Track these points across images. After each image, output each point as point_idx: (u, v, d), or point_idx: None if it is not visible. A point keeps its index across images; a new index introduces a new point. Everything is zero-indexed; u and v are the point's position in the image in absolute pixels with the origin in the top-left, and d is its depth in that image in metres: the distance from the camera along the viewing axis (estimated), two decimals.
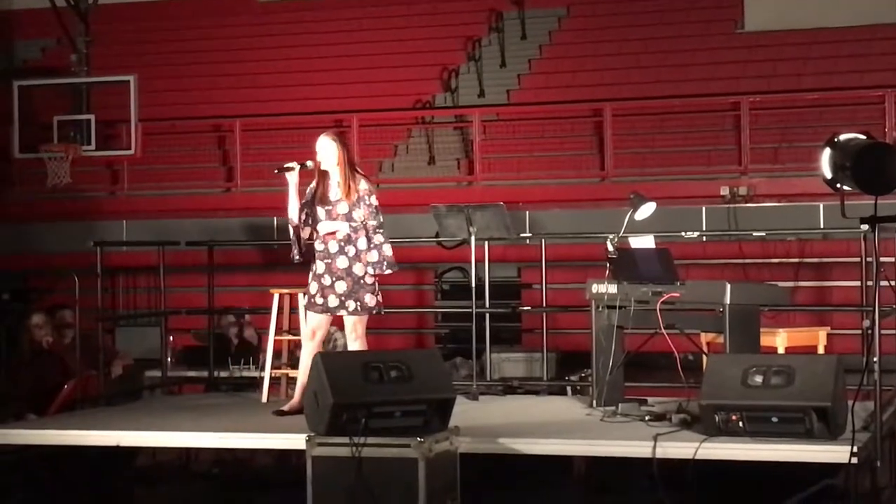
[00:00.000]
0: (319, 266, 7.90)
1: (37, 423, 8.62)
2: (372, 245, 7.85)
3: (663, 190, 13.27)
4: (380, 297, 7.96)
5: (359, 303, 7.87)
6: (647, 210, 8.54)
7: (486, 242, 9.87)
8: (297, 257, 7.98)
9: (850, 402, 6.60)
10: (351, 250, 7.84)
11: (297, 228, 7.94)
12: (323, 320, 7.98)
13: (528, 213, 14.22)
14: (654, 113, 15.52)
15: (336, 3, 19.18)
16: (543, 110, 16.06)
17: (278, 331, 9.20)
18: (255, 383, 9.81)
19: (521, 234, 11.09)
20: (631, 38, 17.26)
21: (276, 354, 9.27)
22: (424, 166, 16.09)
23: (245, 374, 10.81)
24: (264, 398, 8.98)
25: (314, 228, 7.93)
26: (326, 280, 7.87)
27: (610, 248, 8.04)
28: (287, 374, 9.24)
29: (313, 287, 7.93)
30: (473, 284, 9.45)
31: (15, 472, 7.97)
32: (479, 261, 9.62)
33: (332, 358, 7.02)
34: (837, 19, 16.43)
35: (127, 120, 15.63)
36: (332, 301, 7.87)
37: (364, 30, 18.36)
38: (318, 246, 7.92)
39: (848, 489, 6.53)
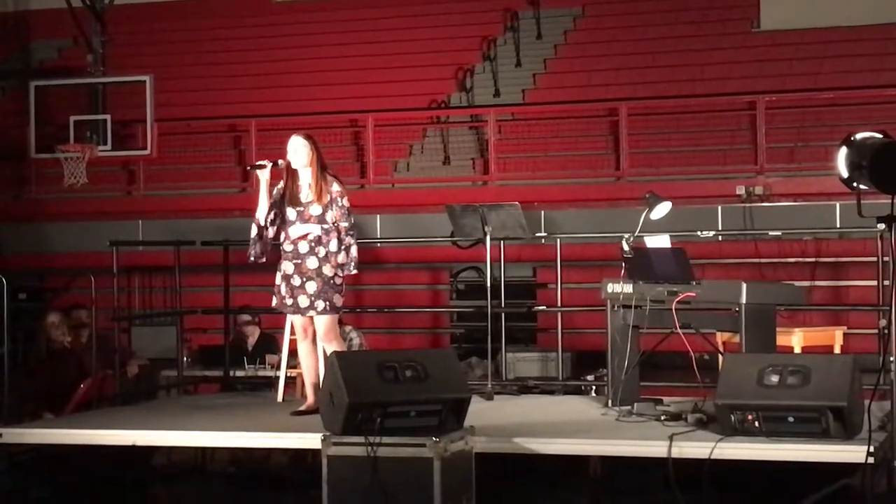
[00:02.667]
0: (287, 266, 7.91)
1: (53, 422, 8.65)
2: (342, 247, 7.86)
3: (679, 189, 13.25)
4: (343, 298, 7.99)
5: (328, 303, 7.88)
6: (662, 209, 8.52)
7: (502, 242, 9.86)
8: (253, 258, 7.97)
9: (866, 402, 6.58)
10: (321, 251, 7.86)
11: (261, 228, 7.94)
12: (307, 319, 7.98)
13: (543, 212, 14.22)
14: (670, 112, 15.50)
15: (351, 3, 19.19)
16: (559, 110, 16.05)
17: (293, 331, 9.20)
18: (271, 383, 9.83)
19: (537, 234, 11.07)
20: (646, 37, 17.23)
21: (292, 354, 9.27)
22: (439, 166, 16.09)
23: (261, 373, 10.83)
24: (280, 398, 9.00)
25: (283, 229, 7.92)
26: (296, 280, 7.88)
27: (625, 247, 8.03)
28: (302, 374, 9.24)
29: (283, 288, 7.94)
30: (488, 284, 9.45)
31: (31, 471, 8.00)
32: (495, 260, 9.61)
33: (347, 357, 7.02)
34: (853, 18, 16.38)
35: (143, 120, 15.66)
36: (303, 301, 7.88)
37: (379, 30, 18.36)
38: (287, 247, 7.92)
39: (864, 489, 6.51)
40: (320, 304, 7.87)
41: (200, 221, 15.03)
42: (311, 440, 6.92)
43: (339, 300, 7.93)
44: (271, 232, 7.95)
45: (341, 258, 7.86)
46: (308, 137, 7.97)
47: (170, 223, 15.30)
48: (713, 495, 6.65)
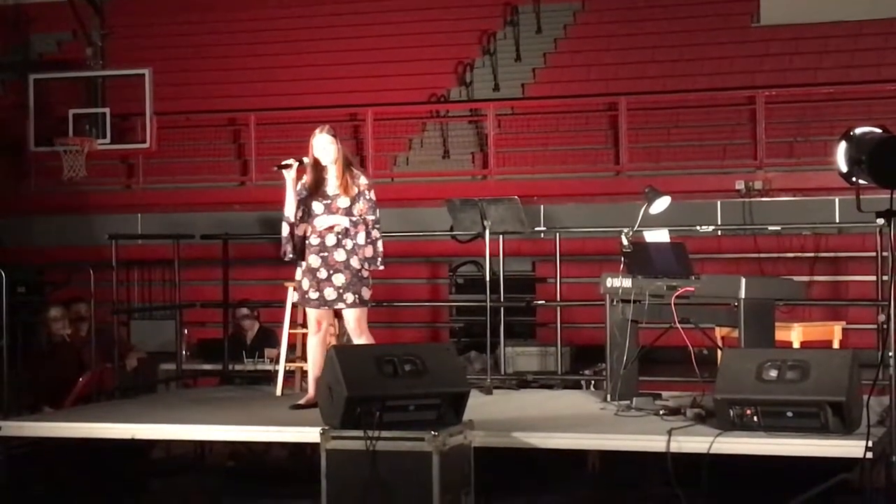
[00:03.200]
0: (314, 260, 7.89)
1: (52, 415, 8.64)
2: (369, 240, 7.87)
3: (678, 184, 13.24)
4: (371, 291, 7.97)
5: (357, 296, 7.87)
6: (661, 204, 8.52)
7: (501, 236, 9.86)
8: (290, 255, 7.96)
9: (865, 397, 6.59)
10: (349, 244, 7.85)
11: (292, 225, 7.94)
12: (324, 312, 7.98)
13: (542, 206, 14.23)
14: (670, 107, 15.50)
15: None
16: (558, 104, 16.04)
17: (293, 324, 9.21)
18: (270, 376, 9.83)
19: (536, 228, 11.09)
20: (646, 31, 17.23)
21: (291, 348, 9.28)
22: (439, 160, 16.10)
23: (260, 367, 10.83)
24: (279, 391, 9.00)
25: (310, 223, 7.93)
26: (322, 273, 7.86)
27: (625, 242, 8.04)
28: (301, 368, 9.25)
29: (305, 282, 7.93)
30: (488, 278, 9.44)
31: (31, 464, 8.01)
32: (494, 255, 9.61)
33: (346, 351, 7.01)
34: (853, 13, 16.38)
35: (142, 113, 15.67)
36: (330, 294, 7.87)
37: (379, 23, 18.35)
38: (314, 240, 7.90)
39: (863, 484, 6.52)
40: (349, 297, 7.86)
41: (199, 215, 15.04)
42: (309, 434, 6.92)
43: (367, 293, 7.91)
44: (301, 230, 7.94)
45: (369, 252, 7.86)
46: (333, 132, 8.01)
47: (169, 216, 15.31)
48: (712, 490, 6.65)
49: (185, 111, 16.83)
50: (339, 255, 7.85)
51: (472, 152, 16.08)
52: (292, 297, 9.10)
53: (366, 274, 7.90)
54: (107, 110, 15.96)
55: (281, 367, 9.09)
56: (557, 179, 15.01)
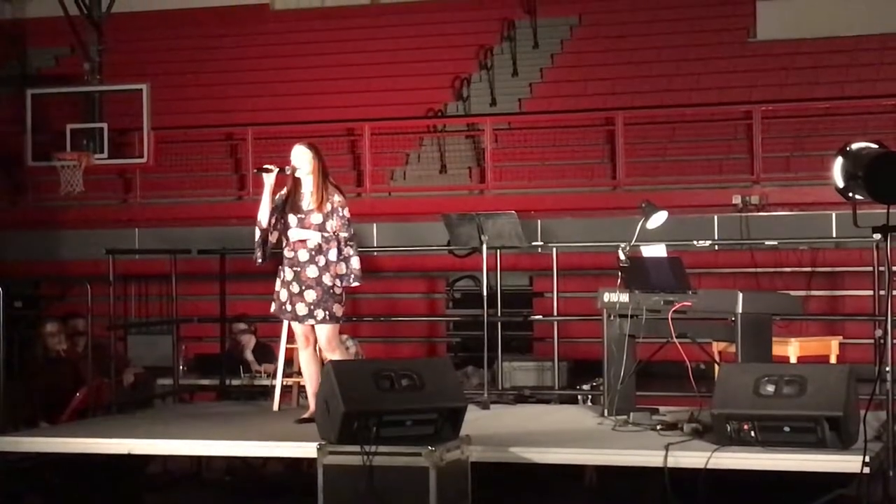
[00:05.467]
0: (288, 273, 7.91)
1: (49, 430, 8.64)
2: (342, 257, 7.86)
3: (675, 199, 13.27)
4: (343, 308, 7.97)
5: (327, 312, 7.86)
6: (658, 219, 8.53)
7: (498, 251, 9.87)
8: (260, 260, 7.99)
9: (862, 412, 6.58)
10: (321, 260, 7.84)
11: (264, 231, 7.96)
12: (308, 326, 7.98)
13: (539, 221, 14.23)
14: (666, 122, 15.52)
15: (348, 12, 19.24)
16: (555, 119, 16.07)
17: (289, 339, 9.20)
18: (267, 391, 9.82)
19: (533, 243, 11.08)
20: (643, 46, 17.27)
21: (288, 363, 9.27)
22: (436, 175, 16.11)
23: (256, 382, 10.82)
24: (276, 406, 8.98)
25: (283, 234, 7.94)
26: (295, 288, 7.87)
27: (622, 256, 8.04)
28: (298, 383, 9.25)
29: (283, 294, 7.94)
30: (485, 293, 9.45)
31: (27, 479, 7.99)
32: (491, 269, 9.61)
33: (343, 366, 7.01)
34: (849, 28, 16.43)
35: (139, 128, 15.69)
36: (301, 309, 7.87)
37: (376, 38, 18.39)
38: (288, 253, 7.92)
39: (860, 499, 6.51)
40: (319, 314, 7.87)
41: (197, 230, 15.03)
42: (306, 449, 6.92)
43: (338, 310, 7.91)
44: (273, 237, 7.96)
45: (342, 269, 7.86)
46: (311, 146, 7.99)
47: (166, 231, 15.30)
48: None
49: (182, 126, 16.85)
50: (311, 272, 7.85)
51: (469, 167, 16.09)
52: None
53: (338, 291, 7.88)
54: (104, 125, 15.98)
55: (278, 382, 9.08)
56: (554, 194, 15.02)
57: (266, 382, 10.35)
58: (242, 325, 11.75)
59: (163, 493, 8.59)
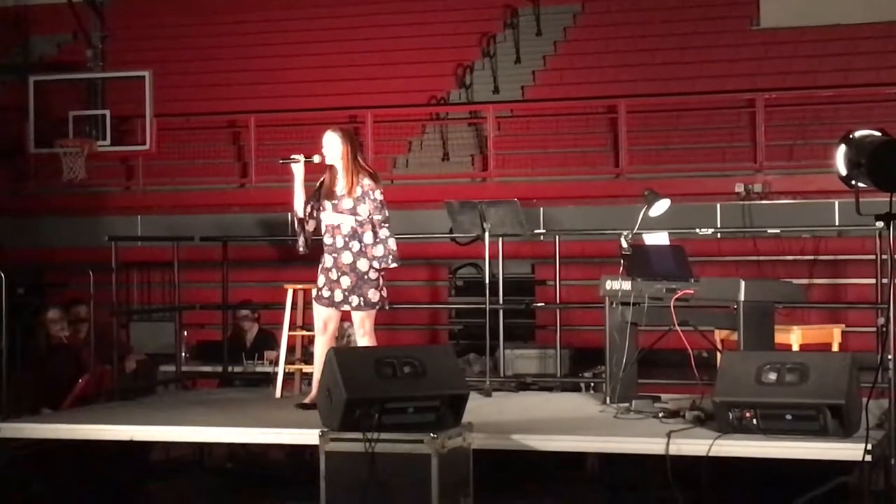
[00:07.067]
0: (328, 259, 7.93)
1: (51, 417, 8.65)
2: (378, 240, 7.85)
3: (678, 187, 13.25)
4: (384, 293, 7.97)
5: (362, 298, 7.87)
6: (661, 207, 8.52)
7: (500, 239, 9.86)
8: (302, 249, 8.00)
9: (864, 400, 6.58)
10: (355, 245, 7.85)
11: (301, 221, 7.97)
12: (332, 313, 7.99)
13: (542, 209, 14.23)
14: (669, 110, 15.50)
15: None
16: (558, 107, 16.05)
17: (292, 326, 9.21)
18: (269, 378, 9.83)
19: (535, 231, 11.08)
20: (646, 34, 17.23)
21: (290, 350, 9.28)
22: (438, 162, 16.10)
23: (259, 369, 10.83)
24: (278, 393, 9.00)
25: (319, 221, 7.95)
26: (333, 274, 7.90)
27: (624, 244, 8.03)
28: (301, 370, 9.26)
29: (321, 280, 7.97)
30: (487, 281, 9.45)
31: (30, 465, 8.00)
32: (493, 257, 9.61)
33: (345, 353, 7.01)
34: (853, 16, 16.38)
35: (142, 115, 15.68)
36: (338, 296, 7.90)
37: (379, 25, 18.36)
38: (327, 240, 7.94)
39: (862, 487, 6.52)
40: (354, 300, 7.87)
41: (199, 217, 15.05)
42: (308, 436, 6.92)
43: (374, 295, 7.89)
44: (311, 225, 7.97)
45: (378, 251, 7.84)
46: (340, 131, 7.99)
47: (168, 219, 15.32)
48: (711, 493, 6.65)
49: (184, 113, 16.83)
50: (346, 258, 7.86)
51: (471, 154, 16.08)
52: (291, 298, 9.12)
53: (374, 276, 7.87)
54: (107, 112, 15.98)
55: (280, 369, 9.09)
56: (557, 182, 15.00)
57: (268, 370, 10.36)
58: (246, 312, 11.77)
59: (165, 479, 8.60)
